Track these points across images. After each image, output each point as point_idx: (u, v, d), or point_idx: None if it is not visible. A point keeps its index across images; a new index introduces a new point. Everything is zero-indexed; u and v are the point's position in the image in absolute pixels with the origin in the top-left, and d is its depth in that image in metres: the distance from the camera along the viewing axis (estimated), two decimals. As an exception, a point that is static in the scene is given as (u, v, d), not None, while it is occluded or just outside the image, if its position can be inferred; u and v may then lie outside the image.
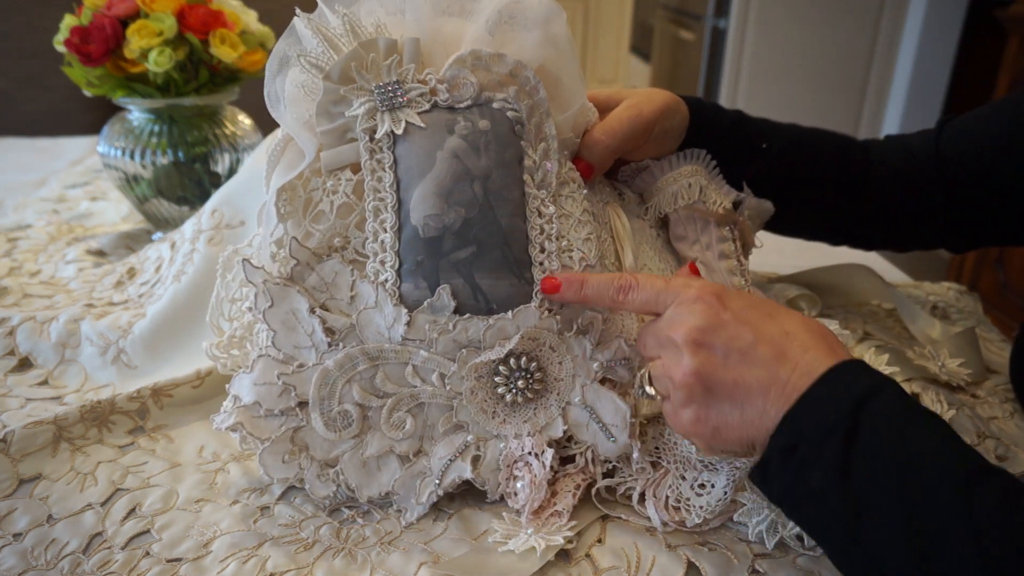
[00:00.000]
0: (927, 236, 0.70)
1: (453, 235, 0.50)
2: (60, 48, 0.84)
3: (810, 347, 0.42)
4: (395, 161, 0.51)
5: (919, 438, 0.38)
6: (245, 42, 0.87)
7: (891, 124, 2.81)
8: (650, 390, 0.48)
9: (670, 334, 0.45)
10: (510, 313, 0.50)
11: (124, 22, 0.82)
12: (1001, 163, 0.62)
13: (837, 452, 0.39)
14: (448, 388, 0.51)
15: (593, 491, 0.52)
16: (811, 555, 0.48)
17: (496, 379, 0.51)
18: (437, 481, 0.51)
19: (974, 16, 2.58)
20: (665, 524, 0.50)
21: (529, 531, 0.48)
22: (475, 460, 0.52)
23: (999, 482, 0.37)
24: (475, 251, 0.50)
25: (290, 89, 0.53)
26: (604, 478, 0.53)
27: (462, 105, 0.51)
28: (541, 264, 0.52)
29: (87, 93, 0.87)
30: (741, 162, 0.66)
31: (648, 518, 0.50)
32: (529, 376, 0.52)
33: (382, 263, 0.51)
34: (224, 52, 0.84)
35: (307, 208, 0.52)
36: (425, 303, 0.50)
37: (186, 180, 0.91)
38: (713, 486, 0.50)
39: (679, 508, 0.50)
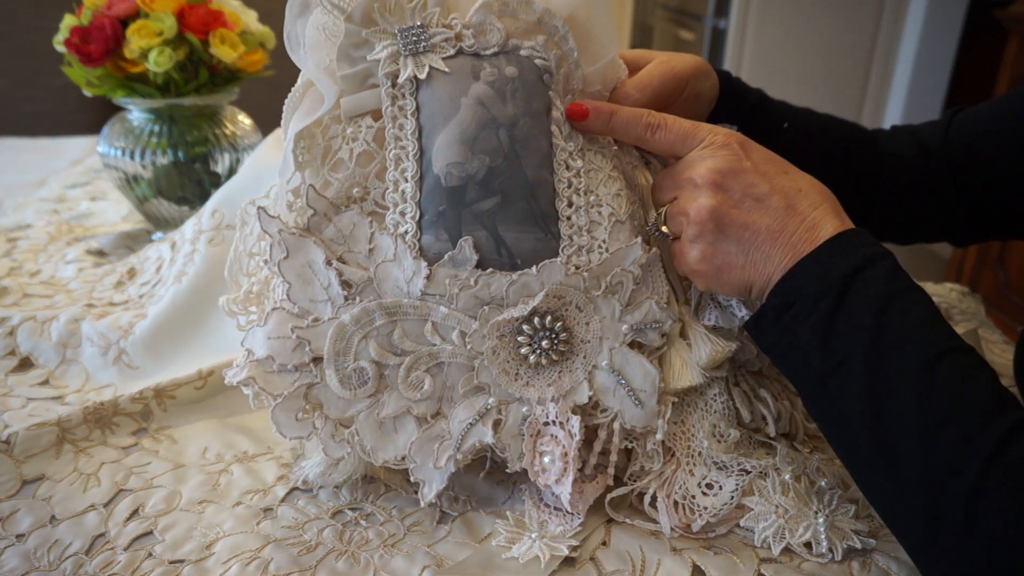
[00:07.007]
0: (932, 228, 0.69)
1: (477, 185, 0.48)
2: (60, 48, 0.84)
3: (818, 204, 0.46)
4: (417, 108, 0.49)
5: (899, 310, 0.42)
6: (245, 42, 0.87)
7: (891, 125, 2.81)
8: (664, 229, 0.50)
9: (691, 174, 0.47)
10: (535, 268, 0.48)
11: (124, 22, 0.82)
12: (1012, 156, 0.61)
13: (824, 313, 0.43)
14: (469, 347, 0.49)
15: (607, 499, 0.51)
16: (817, 562, 0.47)
17: (519, 339, 0.49)
18: (456, 445, 0.49)
19: (974, 16, 2.58)
20: (673, 530, 0.49)
21: (533, 535, 0.48)
22: (496, 424, 0.49)
23: (960, 359, 0.41)
24: (499, 202, 0.48)
25: (311, 33, 0.51)
26: (619, 461, 0.51)
27: (488, 52, 0.49)
28: (568, 219, 0.50)
29: (87, 93, 0.87)
30: (764, 139, 0.65)
31: (653, 521, 0.50)
32: (554, 336, 0.49)
33: (402, 214, 0.49)
34: (224, 52, 0.84)
35: (326, 156, 0.50)
36: (446, 256, 0.48)
37: (186, 180, 0.91)
38: (721, 487, 0.50)
39: (684, 509, 0.50)
